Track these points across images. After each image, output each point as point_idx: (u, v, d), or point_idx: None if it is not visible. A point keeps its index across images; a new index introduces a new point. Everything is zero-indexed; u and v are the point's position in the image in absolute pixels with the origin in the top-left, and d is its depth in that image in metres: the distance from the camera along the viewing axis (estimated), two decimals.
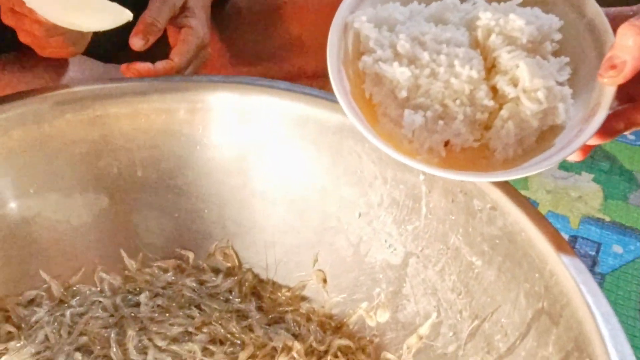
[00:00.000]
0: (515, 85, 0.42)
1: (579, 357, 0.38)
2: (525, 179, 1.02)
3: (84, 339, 0.53)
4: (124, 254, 0.59)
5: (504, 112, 0.42)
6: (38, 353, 0.51)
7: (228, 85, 0.57)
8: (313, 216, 0.58)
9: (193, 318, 0.55)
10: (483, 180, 0.46)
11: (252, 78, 0.58)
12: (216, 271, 0.61)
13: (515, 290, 0.45)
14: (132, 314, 0.56)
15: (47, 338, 0.53)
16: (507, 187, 0.46)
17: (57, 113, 0.53)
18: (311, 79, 0.77)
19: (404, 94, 0.42)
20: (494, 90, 0.43)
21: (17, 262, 0.55)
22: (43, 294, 0.56)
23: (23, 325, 0.54)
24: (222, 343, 0.53)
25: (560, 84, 0.42)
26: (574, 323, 0.39)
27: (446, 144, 0.43)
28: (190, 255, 0.60)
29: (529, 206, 0.45)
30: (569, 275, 0.40)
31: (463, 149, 0.44)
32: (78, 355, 0.52)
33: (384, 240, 0.55)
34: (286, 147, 0.57)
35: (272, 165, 0.58)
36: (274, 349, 0.52)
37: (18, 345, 0.51)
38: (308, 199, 0.57)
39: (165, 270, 0.60)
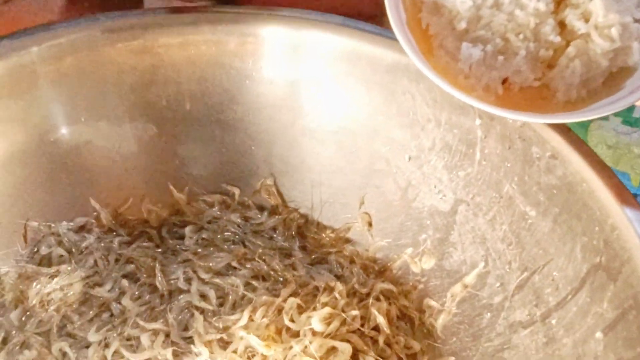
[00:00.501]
0: (586, 20, 0.38)
1: (637, 316, 0.36)
2: (585, 132, 0.97)
3: (131, 266, 0.54)
4: (172, 188, 0.59)
5: (570, 50, 0.39)
6: (87, 277, 0.53)
7: (280, 18, 0.55)
8: (362, 157, 0.56)
9: (237, 253, 0.56)
10: (542, 122, 0.43)
11: (305, 11, 0.55)
12: (261, 208, 0.60)
13: (571, 243, 0.43)
14: (177, 246, 0.57)
15: (96, 264, 0.54)
16: (569, 135, 0.43)
17: (108, 41, 0.52)
18: (367, 19, 0.74)
19: (463, 25, 0.39)
20: (561, 25, 0.40)
21: (68, 189, 0.56)
22: (93, 221, 0.57)
23: (74, 250, 0.55)
24: (264, 279, 0.54)
25: (638, 21, 0.38)
26: (634, 280, 0.37)
27: (504, 81, 0.41)
28: (236, 191, 0.60)
29: (592, 155, 0.42)
30: (633, 230, 0.37)
31: (522, 88, 0.41)
32: (125, 282, 0.53)
33: (434, 185, 0.53)
34: (338, 84, 0.55)
35: (323, 104, 0.56)
36: (316, 288, 0.52)
37: (69, 268, 0.53)
38: (357, 140, 0.56)
39: (211, 205, 0.60)
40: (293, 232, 0.59)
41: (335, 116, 0.56)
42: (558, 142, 0.43)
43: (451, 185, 0.52)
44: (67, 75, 0.51)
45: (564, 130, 0.44)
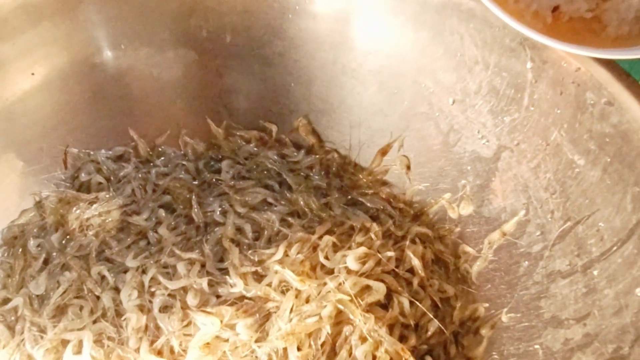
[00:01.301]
0: None
1: None
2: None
3: (168, 197, 0.55)
4: (210, 122, 0.59)
5: None
6: (125, 205, 0.53)
7: None
8: (403, 99, 0.55)
9: (272, 189, 0.55)
10: (591, 55, 0.40)
11: None
12: (298, 147, 0.60)
13: (621, 194, 0.41)
14: (214, 180, 0.57)
15: (133, 192, 0.55)
16: (629, 81, 0.41)
17: None
18: None
19: None
20: None
21: (107, 116, 0.56)
22: (130, 151, 0.58)
23: (112, 178, 0.56)
24: (300, 217, 0.53)
25: None
26: None
27: (554, 10, 0.39)
28: (273, 128, 0.60)
29: None
30: None
31: (571, 19, 0.39)
32: (161, 211, 0.53)
33: (477, 130, 0.52)
34: (383, 22, 0.53)
35: (366, 42, 0.54)
36: (352, 228, 0.52)
37: (107, 196, 0.53)
38: (400, 81, 0.54)
39: (248, 141, 0.59)
40: (329, 172, 0.58)
41: (378, 55, 0.55)
42: (616, 87, 0.41)
43: (495, 131, 0.50)
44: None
45: (622, 75, 0.42)
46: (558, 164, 0.46)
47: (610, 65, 0.42)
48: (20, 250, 0.50)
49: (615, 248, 0.41)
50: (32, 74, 0.51)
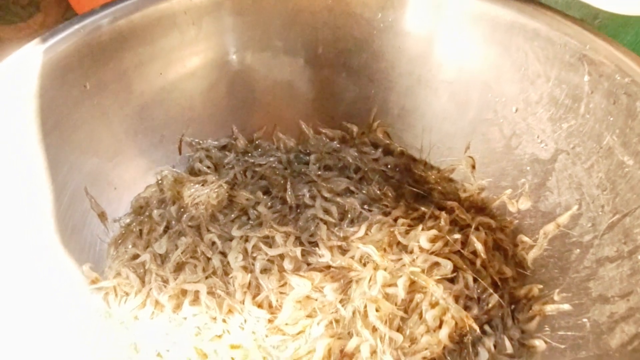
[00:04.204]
0: None
1: None
2: None
3: (264, 182, 0.64)
4: (301, 122, 0.68)
5: None
6: (230, 185, 0.63)
7: None
8: (471, 107, 0.62)
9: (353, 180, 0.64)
10: None
11: None
12: (375, 146, 0.68)
13: None
14: (302, 169, 0.66)
15: (235, 177, 0.64)
16: None
17: None
18: None
19: None
20: None
21: (216, 112, 0.65)
22: (233, 142, 0.67)
23: (218, 164, 0.65)
24: (377, 202, 0.61)
25: None
26: None
27: None
28: (354, 128, 0.68)
29: None
30: None
31: None
32: (259, 193, 0.62)
33: (536, 135, 0.58)
34: (458, 40, 0.60)
35: (441, 57, 0.62)
36: (423, 214, 0.59)
37: (214, 178, 0.63)
38: (469, 92, 0.62)
39: (332, 139, 0.68)
40: (402, 169, 0.66)
41: (451, 69, 0.62)
42: None
43: (553, 136, 0.57)
44: (244, 10, 0.60)
45: None
46: (609, 165, 0.53)
47: None
48: (147, 217, 0.60)
49: None
50: (160, 74, 0.61)
